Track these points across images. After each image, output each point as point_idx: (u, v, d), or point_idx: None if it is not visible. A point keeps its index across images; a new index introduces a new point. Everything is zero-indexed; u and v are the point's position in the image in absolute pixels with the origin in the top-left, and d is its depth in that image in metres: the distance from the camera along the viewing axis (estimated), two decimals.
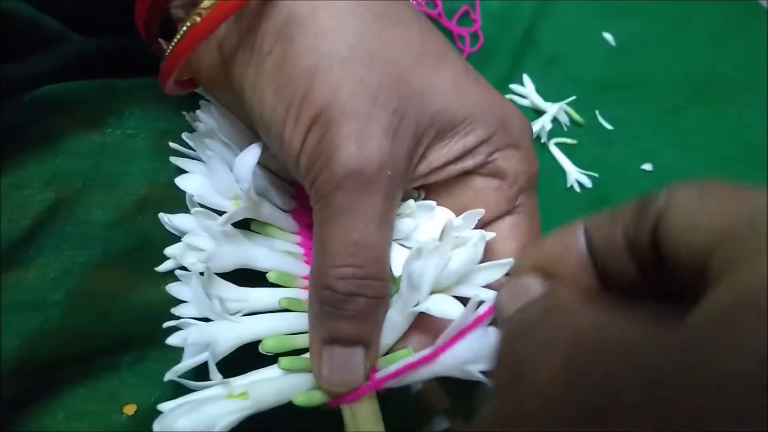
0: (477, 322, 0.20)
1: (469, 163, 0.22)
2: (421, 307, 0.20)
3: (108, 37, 0.32)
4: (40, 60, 0.29)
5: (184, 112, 0.28)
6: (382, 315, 0.21)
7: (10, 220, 0.25)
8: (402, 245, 0.22)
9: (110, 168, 0.28)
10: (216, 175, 0.23)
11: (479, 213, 0.22)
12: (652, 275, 0.16)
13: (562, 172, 0.53)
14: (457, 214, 0.23)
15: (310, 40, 0.19)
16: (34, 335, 0.22)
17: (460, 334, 0.20)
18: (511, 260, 0.22)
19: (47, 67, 0.29)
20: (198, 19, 0.18)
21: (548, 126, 0.53)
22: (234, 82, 0.22)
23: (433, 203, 0.23)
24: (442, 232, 0.22)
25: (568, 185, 0.52)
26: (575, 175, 0.52)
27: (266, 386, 0.20)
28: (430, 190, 0.24)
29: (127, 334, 0.25)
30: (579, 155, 0.54)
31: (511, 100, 0.55)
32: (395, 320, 0.21)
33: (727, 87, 0.59)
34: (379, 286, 0.20)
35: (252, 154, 0.22)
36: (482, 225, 0.23)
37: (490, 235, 0.22)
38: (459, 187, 0.23)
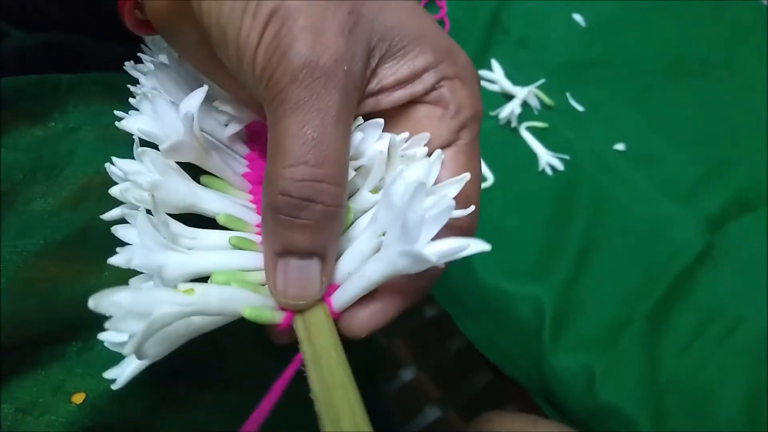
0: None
1: (418, 87, 0.22)
2: (425, 252, 0.18)
3: (49, 33, 0.32)
4: None
5: (126, 65, 0.27)
6: (338, 227, 0.20)
7: None
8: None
9: (52, 159, 0.28)
10: (161, 115, 0.22)
11: (425, 137, 0.22)
12: None
13: (533, 156, 0.53)
14: None
15: None
16: None
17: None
18: (468, 175, 0.21)
19: None
20: None
21: (518, 110, 0.53)
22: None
23: (381, 120, 0.22)
24: (388, 151, 0.22)
25: (540, 169, 0.52)
26: (546, 158, 0.52)
27: (214, 290, 0.19)
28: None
29: (73, 323, 0.25)
30: (551, 138, 0.53)
31: (480, 87, 0.55)
32: (362, 249, 0.20)
33: (700, 64, 0.59)
34: (336, 192, 0.19)
35: (197, 94, 0.21)
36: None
37: (442, 155, 0.22)
38: (403, 116, 0.23)
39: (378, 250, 0.20)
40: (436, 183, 0.22)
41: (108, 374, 0.19)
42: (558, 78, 0.56)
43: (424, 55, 0.22)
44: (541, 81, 0.54)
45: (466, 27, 0.55)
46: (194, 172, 0.24)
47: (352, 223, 0.22)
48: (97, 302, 0.17)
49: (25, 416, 0.24)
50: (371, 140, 0.22)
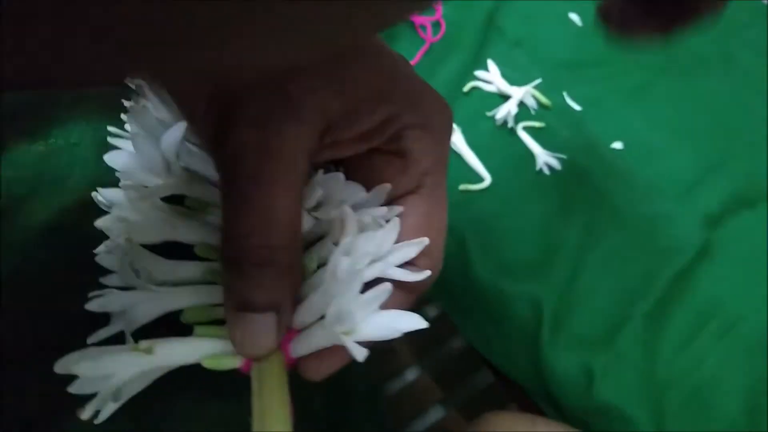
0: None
1: (376, 140, 0.22)
2: (350, 345, 0.19)
3: None
4: None
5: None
6: (293, 282, 0.21)
7: None
8: (308, 213, 0.22)
9: (53, 174, 0.28)
10: (143, 152, 0.23)
11: (385, 188, 0.22)
12: None
13: (531, 156, 0.53)
14: None
15: None
16: None
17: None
18: (425, 239, 0.22)
19: None
20: None
21: (515, 110, 0.53)
22: None
23: (341, 175, 0.23)
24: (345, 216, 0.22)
25: (537, 168, 0.52)
26: (544, 157, 0.52)
27: (174, 345, 0.20)
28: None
29: (79, 336, 0.26)
30: (548, 138, 0.53)
31: (477, 87, 0.55)
32: (317, 304, 0.21)
33: (696, 60, 0.59)
34: (288, 254, 0.20)
35: (177, 129, 0.22)
36: (385, 202, 0.23)
37: (399, 209, 0.22)
38: (362, 164, 0.23)
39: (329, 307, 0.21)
40: (398, 240, 0.22)
41: (85, 413, 0.20)
42: (554, 77, 0.56)
43: (384, 107, 0.21)
44: (538, 81, 0.54)
45: (461, 28, 0.56)
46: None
47: (316, 270, 0.22)
48: (61, 369, 0.19)
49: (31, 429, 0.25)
50: (332, 194, 0.22)
